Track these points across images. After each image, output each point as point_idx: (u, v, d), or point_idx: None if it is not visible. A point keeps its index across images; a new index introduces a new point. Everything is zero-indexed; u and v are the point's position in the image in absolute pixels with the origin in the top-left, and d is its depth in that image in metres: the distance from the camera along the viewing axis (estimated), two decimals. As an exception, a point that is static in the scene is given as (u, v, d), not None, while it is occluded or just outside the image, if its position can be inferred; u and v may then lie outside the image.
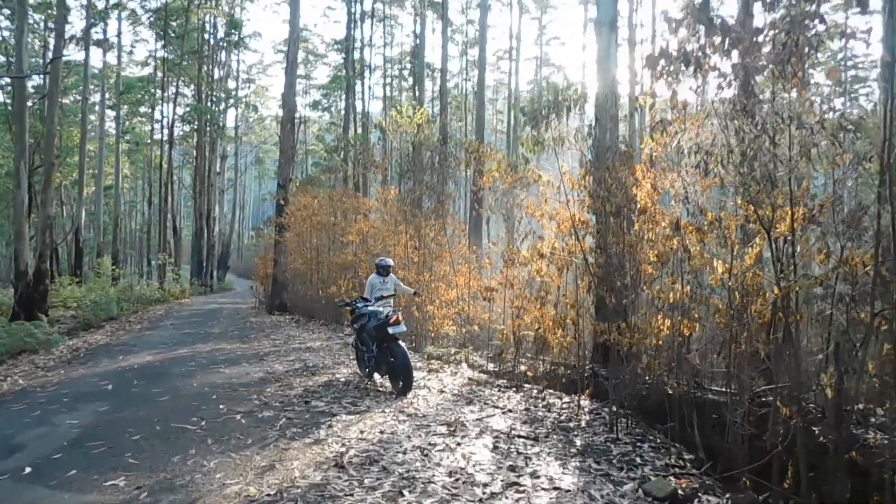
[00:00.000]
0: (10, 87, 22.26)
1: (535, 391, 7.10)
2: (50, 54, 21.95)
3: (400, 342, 7.10)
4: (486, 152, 11.02)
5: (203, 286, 34.92)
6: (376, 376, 7.58)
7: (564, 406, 6.39)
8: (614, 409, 5.58)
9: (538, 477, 4.13)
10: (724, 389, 6.02)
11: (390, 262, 8.80)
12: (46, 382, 7.94)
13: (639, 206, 5.93)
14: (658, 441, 5.16)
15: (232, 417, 5.72)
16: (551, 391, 7.11)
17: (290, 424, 5.44)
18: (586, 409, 6.19)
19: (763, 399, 4.47)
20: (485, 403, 6.45)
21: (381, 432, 5.18)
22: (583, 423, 5.69)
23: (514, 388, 7.24)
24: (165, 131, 34.70)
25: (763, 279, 4.33)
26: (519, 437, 5.16)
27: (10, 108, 21.67)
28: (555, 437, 5.20)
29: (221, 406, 6.19)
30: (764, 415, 4.32)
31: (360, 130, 34.15)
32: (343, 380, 7.72)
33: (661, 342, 4.85)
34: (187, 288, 30.67)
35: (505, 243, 8.89)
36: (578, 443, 5.04)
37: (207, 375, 8.05)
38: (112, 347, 11.45)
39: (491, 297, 8.67)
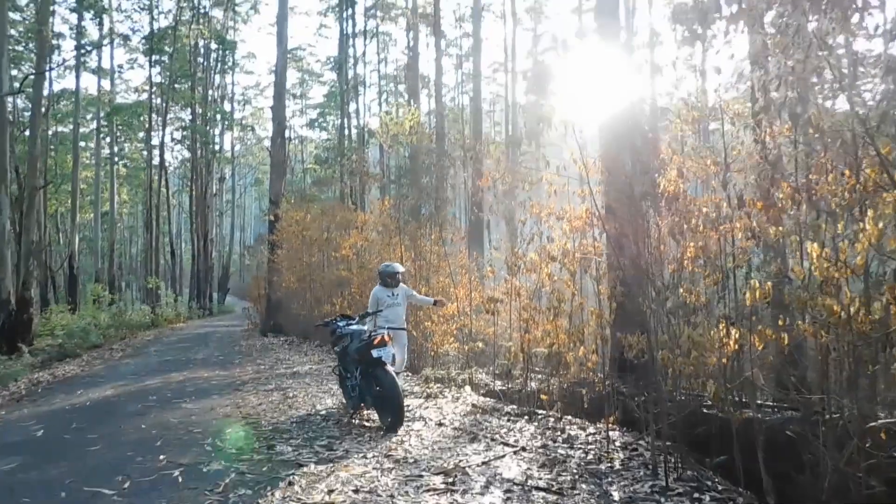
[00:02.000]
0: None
1: (551, 419, 5.89)
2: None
3: (388, 367, 5.91)
4: (484, 150, 9.98)
5: (201, 309, 33.81)
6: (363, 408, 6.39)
7: (590, 439, 5.18)
8: (656, 443, 4.38)
9: (568, 559, 2.92)
10: (778, 405, 4.87)
11: (400, 268, 7.49)
12: (-28, 428, 6.73)
13: (667, 193, 4.85)
14: (719, 488, 3.93)
15: (168, 474, 4.46)
16: (570, 418, 5.90)
17: (238, 483, 4.18)
18: (617, 443, 4.97)
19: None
20: (492, 440, 5.23)
21: (357, 490, 3.94)
22: (616, 465, 4.46)
23: (526, 417, 6.02)
24: (157, 153, 33.78)
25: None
26: (537, 489, 3.93)
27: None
28: (584, 487, 3.98)
29: (162, 456, 4.94)
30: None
31: (354, 144, 33.14)
32: (324, 413, 6.52)
33: (727, 360, 3.63)
34: (182, 312, 29.52)
35: (508, 248, 7.75)
36: (616, 496, 3.81)
37: (164, 413, 6.84)
38: (78, 380, 10.26)
39: (495, 310, 7.49)
